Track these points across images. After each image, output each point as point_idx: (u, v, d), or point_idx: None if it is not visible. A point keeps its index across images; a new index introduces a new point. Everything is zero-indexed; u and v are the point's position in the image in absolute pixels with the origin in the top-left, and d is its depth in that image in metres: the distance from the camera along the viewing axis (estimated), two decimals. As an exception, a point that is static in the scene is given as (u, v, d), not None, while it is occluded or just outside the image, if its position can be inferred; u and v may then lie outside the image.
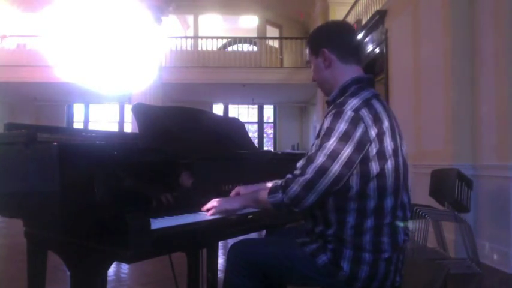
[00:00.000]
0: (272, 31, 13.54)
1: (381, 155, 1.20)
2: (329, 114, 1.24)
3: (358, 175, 1.20)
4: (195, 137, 1.68)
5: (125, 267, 3.39)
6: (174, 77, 10.23)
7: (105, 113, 13.93)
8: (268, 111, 14.56)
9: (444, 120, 4.09)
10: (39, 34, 9.72)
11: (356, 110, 1.20)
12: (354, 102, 1.22)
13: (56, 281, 2.59)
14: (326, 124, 1.22)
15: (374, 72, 6.48)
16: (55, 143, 1.22)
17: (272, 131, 14.60)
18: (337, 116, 1.20)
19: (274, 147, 13.96)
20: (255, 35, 12.99)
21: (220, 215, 1.36)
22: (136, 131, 1.52)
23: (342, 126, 1.18)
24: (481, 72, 3.78)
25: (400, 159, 1.27)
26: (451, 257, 3.69)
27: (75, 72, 7.96)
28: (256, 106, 14.20)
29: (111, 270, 3.30)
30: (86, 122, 13.76)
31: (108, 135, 2.06)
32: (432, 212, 3.46)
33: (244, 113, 14.47)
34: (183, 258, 2.11)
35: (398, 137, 1.29)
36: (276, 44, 12.96)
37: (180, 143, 1.57)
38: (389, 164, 1.22)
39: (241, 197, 1.44)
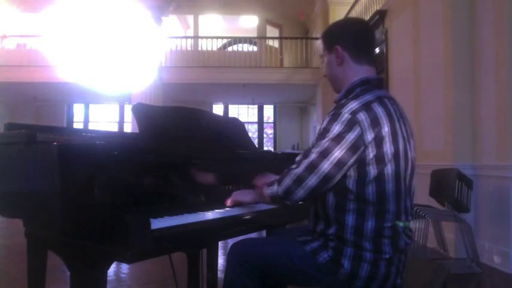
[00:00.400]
0: (272, 31, 13.55)
1: (380, 159, 1.21)
2: (328, 115, 1.26)
3: (355, 178, 1.22)
4: (195, 137, 1.68)
5: (125, 267, 3.39)
6: (174, 77, 10.23)
7: (105, 113, 13.91)
8: (268, 111, 14.55)
9: (444, 120, 4.09)
10: (39, 34, 9.73)
11: (353, 113, 1.20)
12: (353, 105, 1.22)
13: (56, 281, 2.59)
14: (323, 124, 1.25)
15: (374, 72, 6.47)
16: (55, 143, 1.22)
17: (272, 131, 14.59)
18: (335, 117, 1.22)
19: (274, 147, 13.96)
20: (255, 35, 13.01)
21: (235, 206, 1.44)
22: (137, 131, 1.52)
23: (337, 128, 1.20)
24: (481, 72, 3.77)
25: (402, 163, 1.26)
26: (451, 257, 3.70)
27: (75, 72, 7.97)
28: (256, 106, 14.20)
29: (111, 270, 3.30)
30: (86, 122, 13.75)
31: (108, 135, 2.06)
32: (432, 212, 3.46)
33: (244, 113, 14.47)
34: (183, 258, 2.11)
35: (402, 140, 1.27)
36: (276, 44, 12.97)
37: (180, 143, 1.57)
38: (389, 169, 1.22)
39: (254, 191, 1.44)
